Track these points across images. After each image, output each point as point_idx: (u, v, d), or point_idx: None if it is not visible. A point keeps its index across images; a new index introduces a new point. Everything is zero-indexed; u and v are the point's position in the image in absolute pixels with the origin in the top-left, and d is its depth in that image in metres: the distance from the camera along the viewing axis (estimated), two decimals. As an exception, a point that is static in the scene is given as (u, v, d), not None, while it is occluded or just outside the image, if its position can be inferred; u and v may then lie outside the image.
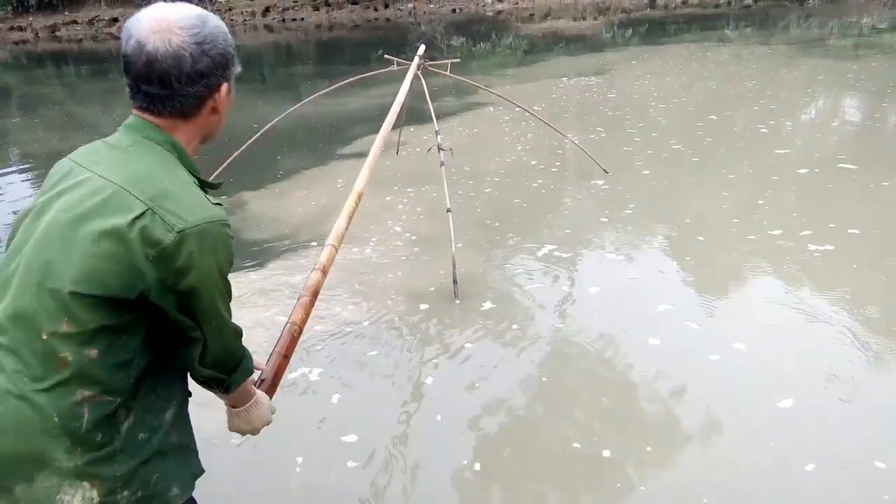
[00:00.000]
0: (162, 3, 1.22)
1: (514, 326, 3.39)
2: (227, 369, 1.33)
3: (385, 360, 3.18)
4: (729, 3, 19.94)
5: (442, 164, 4.26)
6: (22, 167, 7.78)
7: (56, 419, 1.12)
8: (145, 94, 1.22)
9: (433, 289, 3.82)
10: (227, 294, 1.27)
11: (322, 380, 3.04)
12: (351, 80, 6.15)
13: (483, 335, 3.34)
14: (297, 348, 1.75)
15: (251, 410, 1.46)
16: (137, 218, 1.11)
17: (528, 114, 5.86)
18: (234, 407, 1.45)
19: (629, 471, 2.39)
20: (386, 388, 2.99)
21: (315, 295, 1.86)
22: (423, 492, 2.37)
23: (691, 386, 2.82)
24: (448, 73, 5.44)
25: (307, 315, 1.78)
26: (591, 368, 3.03)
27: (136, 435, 1.21)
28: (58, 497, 1.14)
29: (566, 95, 8.93)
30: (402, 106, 3.97)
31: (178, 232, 1.12)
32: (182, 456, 1.31)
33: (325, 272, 1.97)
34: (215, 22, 1.25)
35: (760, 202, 4.78)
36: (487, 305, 3.60)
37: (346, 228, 2.30)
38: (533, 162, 6.18)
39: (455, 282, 3.70)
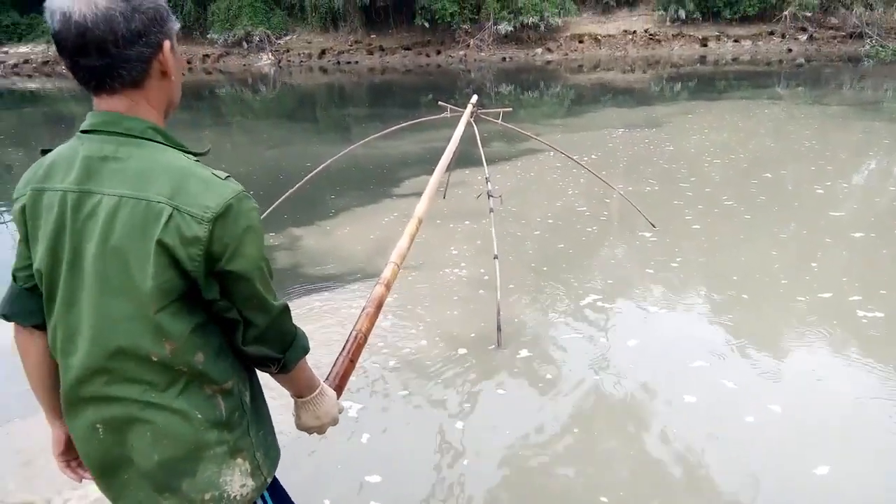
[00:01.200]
0: None
1: (549, 376, 3.40)
2: (281, 347, 1.33)
3: (418, 402, 3.23)
4: (780, 62, 19.85)
5: (491, 210, 4.32)
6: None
7: (199, 415, 1.23)
8: (88, 71, 1.15)
9: (474, 334, 3.85)
10: (268, 269, 1.27)
11: (358, 416, 3.09)
12: (405, 124, 6.32)
13: (518, 383, 3.36)
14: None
15: (318, 403, 1.47)
16: (168, 221, 1.13)
17: (579, 164, 5.91)
18: (299, 397, 1.46)
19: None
20: (416, 430, 3.02)
21: (379, 307, 1.97)
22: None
23: (724, 446, 2.79)
24: (500, 121, 5.54)
25: (372, 324, 1.88)
26: (624, 423, 3.01)
27: (252, 402, 1.34)
28: (220, 480, 1.27)
29: (622, 146, 8.98)
30: (455, 151, 4.07)
31: (209, 221, 1.14)
32: (264, 400, 1.44)
33: (388, 287, 2.10)
34: None
35: (813, 264, 4.71)
36: (524, 353, 3.62)
37: (408, 249, 2.42)
38: (581, 208, 6.23)
39: (499, 329, 3.73)
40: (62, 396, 1.28)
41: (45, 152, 1.26)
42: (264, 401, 1.43)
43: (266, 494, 1.40)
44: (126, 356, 1.18)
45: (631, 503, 2.49)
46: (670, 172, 7.46)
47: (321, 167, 5.67)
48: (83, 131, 1.20)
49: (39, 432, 2.96)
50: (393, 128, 6.28)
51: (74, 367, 1.21)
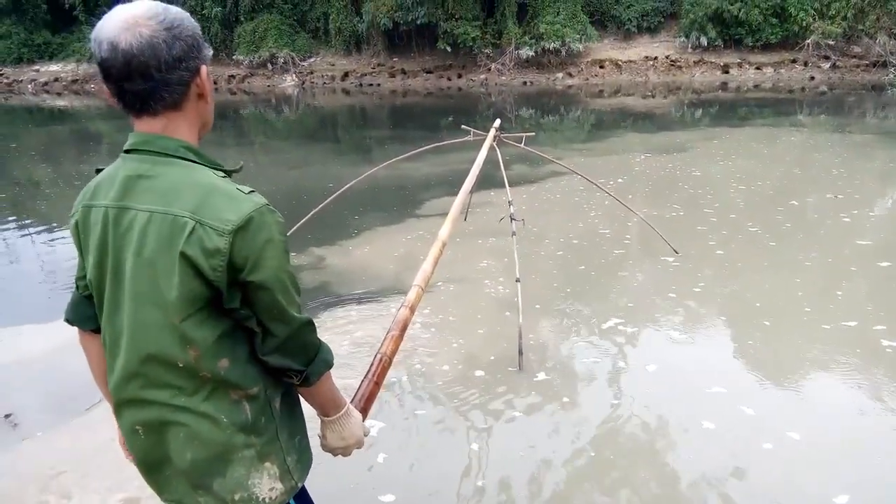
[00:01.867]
0: (120, 5, 1.22)
1: (567, 399, 3.39)
2: (303, 360, 1.36)
3: (436, 423, 3.24)
4: (803, 90, 19.77)
5: (513, 233, 4.35)
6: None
7: (225, 419, 1.28)
8: (133, 95, 1.22)
9: (494, 357, 3.86)
10: (292, 282, 1.30)
11: (375, 435, 3.10)
12: (429, 146, 6.37)
13: (536, 407, 3.35)
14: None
15: (343, 423, 1.49)
16: (191, 234, 1.19)
17: (602, 189, 5.92)
18: (325, 416, 1.48)
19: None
20: (432, 451, 3.03)
21: (403, 329, 1.98)
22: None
23: (743, 474, 2.77)
24: (523, 145, 5.57)
25: (396, 347, 1.89)
26: (642, 448, 2.99)
27: (282, 408, 1.38)
28: (249, 482, 1.32)
29: (646, 171, 8.99)
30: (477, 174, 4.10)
31: (230, 233, 1.19)
32: (299, 408, 1.46)
33: (412, 309, 2.10)
34: (176, 8, 1.27)
35: (837, 293, 4.67)
36: (543, 376, 3.63)
37: (432, 272, 2.43)
38: (604, 231, 6.25)
39: (520, 352, 3.73)
40: (111, 397, 1.36)
41: (98, 171, 1.36)
42: (300, 407, 1.46)
43: (291, 502, 1.43)
44: (156, 362, 1.25)
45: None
46: (695, 198, 7.45)
47: (345, 187, 5.72)
48: (125, 151, 1.29)
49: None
50: (418, 150, 6.32)
51: (117, 369, 1.29)
